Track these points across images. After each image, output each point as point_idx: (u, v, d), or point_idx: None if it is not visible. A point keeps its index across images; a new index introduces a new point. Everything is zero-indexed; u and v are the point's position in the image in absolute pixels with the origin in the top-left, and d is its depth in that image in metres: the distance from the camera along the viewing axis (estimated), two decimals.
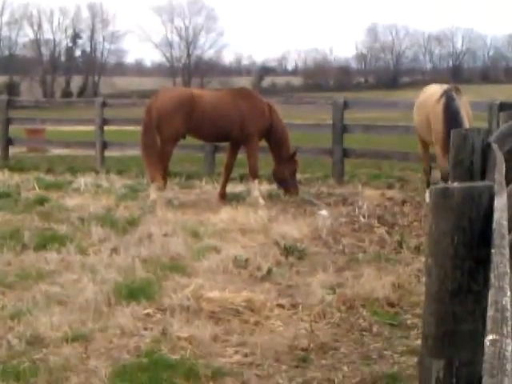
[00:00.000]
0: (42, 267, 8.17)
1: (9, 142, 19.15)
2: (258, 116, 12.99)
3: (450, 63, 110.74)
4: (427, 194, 12.16)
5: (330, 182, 14.90)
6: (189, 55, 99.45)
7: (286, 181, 13.23)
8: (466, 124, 11.40)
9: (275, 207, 12.10)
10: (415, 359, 5.48)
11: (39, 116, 22.97)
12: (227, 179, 13.18)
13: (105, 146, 17.92)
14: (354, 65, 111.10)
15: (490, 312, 2.15)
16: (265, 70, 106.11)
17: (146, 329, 6.33)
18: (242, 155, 13.52)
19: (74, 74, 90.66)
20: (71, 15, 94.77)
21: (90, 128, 18.98)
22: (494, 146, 5.18)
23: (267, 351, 5.89)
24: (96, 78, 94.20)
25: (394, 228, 10.39)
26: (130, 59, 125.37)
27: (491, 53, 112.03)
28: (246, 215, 11.01)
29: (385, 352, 5.98)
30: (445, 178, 10.96)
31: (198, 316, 6.53)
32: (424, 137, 12.61)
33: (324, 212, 11.50)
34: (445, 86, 12.62)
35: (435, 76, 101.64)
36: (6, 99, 19.61)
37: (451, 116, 11.56)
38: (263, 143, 13.44)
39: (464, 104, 12.07)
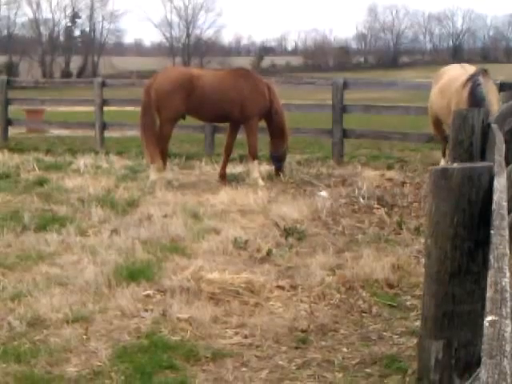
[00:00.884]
0: (42, 249, 8.17)
1: (8, 122, 19.12)
2: (257, 96, 12.98)
3: (450, 43, 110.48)
4: (442, 162, 12.14)
5: (329, 163, 14.88)
6: (188, 35, 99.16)
7: (283, 161, 13.30)
8: (494, 110, 10.36)
9: (275, 188, 12.10)
10: (415, 340, 5.50)
11: (38, 96, 22.92)
12: (227, 160, 13.18)
13: (104, 126, 17.89)
14: (353, 45, 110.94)
15: (489, 293, 2.16)
16: (264, 50, 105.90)
17: (146, 310, 6.34)
18: (241, 136, 13.50)
19: (74, 54, 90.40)
20: None
21: (90, 108, 18.94)
22: (494, 127, 5.18)
23: (267, 332, 5.91)
24: (95, 58, 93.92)
25: (394, 209, 10.39)
26: (129, 39, 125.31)
27: (491, 33, 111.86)
28: (245, 196, 11.01)
29: (384, 333, 5.99)
30: None
31: (198, 297, 6.54)
32: (444, 120, 12.15)
33: (323, 193, 11.49)
34: (467, 67, 12.20)
35: (435, 56, 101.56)
36: (5, 79, 19.54)
37: (476, 104, 10.67)
38: (261, 123, 13.43)
39: (491, 88, 11.34)
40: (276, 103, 13.24)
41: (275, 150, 13.23)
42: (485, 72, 11.44)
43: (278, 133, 13.25)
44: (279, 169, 13.28)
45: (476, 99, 10.92)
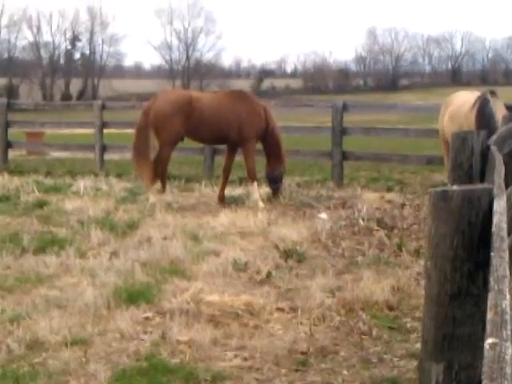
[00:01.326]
0: (42, 271, 8.16)
1: (8, 145, 19.14)
2: (255, 118, 13.03)
3: (449, 66, 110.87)
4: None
5: (329, 185, 14.89)
6: (188, 58, 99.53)
7: (279, 182, 13.30)
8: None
9: (275, 210, 12.09)
10: (415, 363, 5.48)
11: (38, 119, 22.98)
12: (226, 182, 13.19)
13: (104, 148, 17.92)
14: (353, 67, 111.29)
15: (490, 315, 2.15)
16: (264, 73, 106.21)
17: (145, 332, 6.33)
18: (240, 158, 13.53)
19: (74, 76, 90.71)
20: (70, 18, 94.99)
21: (90, 131, 18.99)
22: (494, 149, 5.18)
23: (267, 355, 5.89)
24: (95, 80, 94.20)
25: (394, 231, 10.38)
26: (129, 62, 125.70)
27: (490, 55, 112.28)
28: (245, 218, 11.01)
29: (384, 356, 5.97)
30: None
31: (198, 320, 6.52)
32: None
33: (323, 215, 11.49)
34: (476, 93, 12.04)
35: (434, 79, 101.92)
36: (5, 102, 19.59)
37: (484, 122, 10.68)
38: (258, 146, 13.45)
39: (499, 107, 11.27)
40: (272, 125, 13.26)
41: (272, 171, 13.24)
42: (492, 93, 11.46)
43: (274, 154, 13.26)
44: (277, 190, 13.27)
45: (485, 118, 10.87)
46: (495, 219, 3.09)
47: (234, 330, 6.42)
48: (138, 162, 12.69)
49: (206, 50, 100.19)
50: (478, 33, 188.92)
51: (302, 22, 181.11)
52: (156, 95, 13.55)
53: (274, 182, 13.26)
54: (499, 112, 10.91)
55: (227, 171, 13.24)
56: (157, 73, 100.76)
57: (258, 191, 12.97)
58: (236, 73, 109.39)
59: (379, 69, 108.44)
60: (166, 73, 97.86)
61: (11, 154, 19.64)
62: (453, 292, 3.45)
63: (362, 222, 10.72)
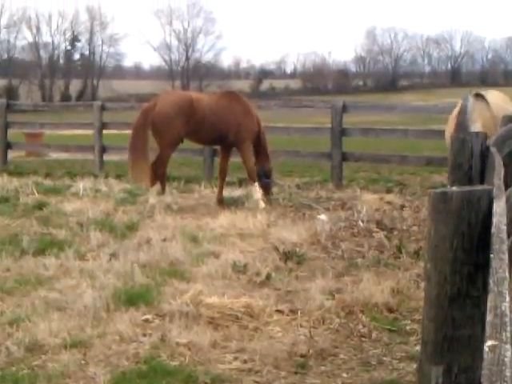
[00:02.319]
0: (41, 273, 8.15)
1: (7, 146, 19.14)
2: (250, 119, 13.15)
3: (449, 66, 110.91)
4: None
5: (328, 186, 14.89)
6: (187, 58, 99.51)
7: (270, 177, 13.35)
8: (474, 127, 10.09)
9: (274, 212, 12.09)
10: (414, 365, 5.47)
11: (38, 120, 22.98)
12: (223, 184, 13.20)
13: (103, 150, 17.92)
14: (352, 68, 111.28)
15: (489, 317, 2.15)
16: (263, 74, 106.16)
17: (144, 335, 6.32)
18: (238, 159, 13.54)
19: (73, 77, 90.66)
20: (70, 18, 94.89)
21: (89, 132, 18.97)
22: (493, 150, 5.17)
23: (266, 357, 5.88)
24: (95, 81, 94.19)
25: (393, 233, 10.38)
26: (128, 62, 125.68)
27: (490, 56, 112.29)
28: (244, 220, 11.01)
29: (384, 358, 5.96)
30: None
31: (197, 322, 6.51)
32: None
33: (323, 216, 11.48)
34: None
35: (434, 79, 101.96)
36: (4, 103, 19.59)
37: (460, 123, 10.49)
38: None
39: (478, 107, 10.71)
40: (261, 126, 13.35)
41: (262, 167, 13.28)
42: (478, 95, 11.07)
43: (263, 152, 13.37)
44: (268, 186, 13.27)
45: (460, 117, 10.67)
46: (495, 221, 3.08)
47: (233, 332, 6.41)
48: (134, 162, 12.65)
49: (205, 51, 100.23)
50: (478, 33, 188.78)
51: (301, 23, 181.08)
52: (157, 96, 13.54)
53: (266, 176, 13.30)
54: (476, 112, 10.58)
55: (224, 173, 13.25)
56: (156, 73, 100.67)
57: (260, 191, 12.96)
58: (235, 73, 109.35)
59: (379, 69, 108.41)
60: (166, 73, 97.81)
61: (10, 155, 19.63)
62: (452, 294, 3.44)
63: (361, 224, 10.72)
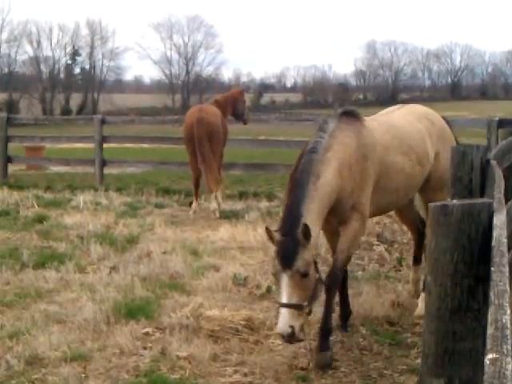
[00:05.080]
0: (41, 286, 8.15)
1: (8, 159, 19.13)
2: (226, 129, 14.00)
3: (449, 80, 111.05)
4: None
5: None
6: (188, 72, 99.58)
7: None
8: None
9: (274, 224, 12.05)
10: (415, 378, 5.46)
11: (38, 134, 22.95)
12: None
13: (104, 163, 17.90)
14: (352, 81, 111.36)
15: (490, 330, 2.14)
16: (264, 87, 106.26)
17: (145, 348, 6.31)
18: (240, 173, 13.55)
19: (74, 91, 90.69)
20: (70, 32, 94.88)
21: (89, 145, 18.96)
22: (493, 163, 5.17)
23: (267, 370, 5.87)
24: (95, 95, 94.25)
25: (394, 246, 10.37)
26: (129, 76, 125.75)
27: (490, 69, 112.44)
28: (245, 233, 11.00)
29: (385, 371, 5.95)
30: None
31: (198, 335, 6.50)
32: None
33: None
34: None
35: (434, 93, 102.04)
36: (5, 117, 19.58)
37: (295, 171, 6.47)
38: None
39: (341, 136, 6.44)
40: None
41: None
42: (348, 113, 6.83)
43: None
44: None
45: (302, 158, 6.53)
46: (495, 234, 3.08)
47: (233, 345, 6.40)
48: (208, 168, 13.16)
49: (205, 64, 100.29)
50: (478, 47, 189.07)
51: (302, 36, 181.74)
52: (194, 109, 13.88)
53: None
54: (336, 143, 6.41)
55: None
56: (156, 87, 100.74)
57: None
58: (236, 87, 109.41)
59: (379, 83, 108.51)
60: (166, 87, 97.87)
61: (11, 168, 19.62)
62: (453, 307, 3.44)
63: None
